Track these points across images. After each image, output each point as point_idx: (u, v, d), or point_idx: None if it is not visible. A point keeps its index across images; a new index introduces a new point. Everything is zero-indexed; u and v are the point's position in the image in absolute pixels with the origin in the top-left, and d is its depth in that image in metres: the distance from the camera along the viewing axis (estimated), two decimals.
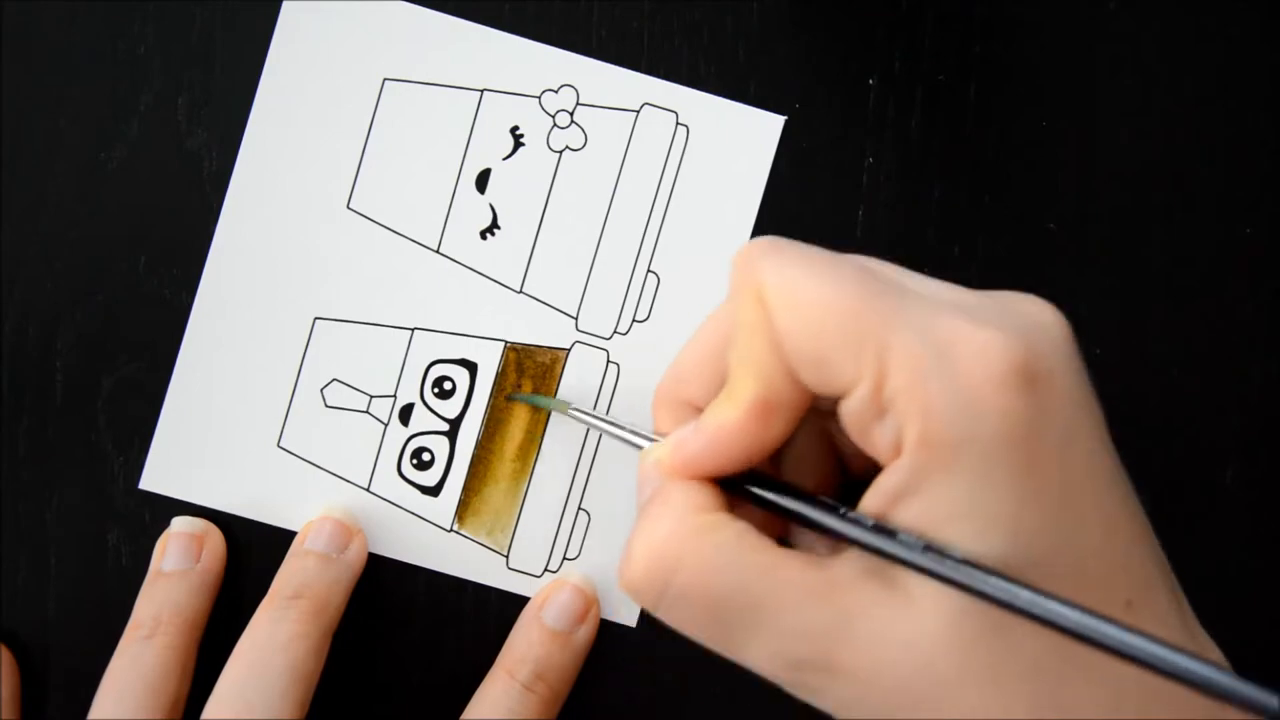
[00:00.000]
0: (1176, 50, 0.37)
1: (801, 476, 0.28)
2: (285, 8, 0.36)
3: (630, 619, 0.37)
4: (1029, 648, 0.23)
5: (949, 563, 0.23)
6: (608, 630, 0.37)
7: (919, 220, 0.37)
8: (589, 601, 0.37)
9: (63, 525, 0.37)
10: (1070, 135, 0.37)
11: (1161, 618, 0.24)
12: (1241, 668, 0.25)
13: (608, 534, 0.37)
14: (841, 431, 0.26)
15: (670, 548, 0.25)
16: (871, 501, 0.24)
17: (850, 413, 0.24)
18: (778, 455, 0.28)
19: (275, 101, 0.36)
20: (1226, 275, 0.38)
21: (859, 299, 0.24)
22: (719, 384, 0.27)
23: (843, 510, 0.24)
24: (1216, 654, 0.26)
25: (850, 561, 0.24)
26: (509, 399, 0.37)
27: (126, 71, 0.36)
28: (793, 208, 0.37)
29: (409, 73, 0.37)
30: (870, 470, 0.25)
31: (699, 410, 0.27)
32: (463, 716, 0.36)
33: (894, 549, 0.23)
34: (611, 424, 0.32)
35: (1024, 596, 0.22)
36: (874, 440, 0.24)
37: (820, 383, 0.25)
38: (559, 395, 0.37)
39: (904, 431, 0.24)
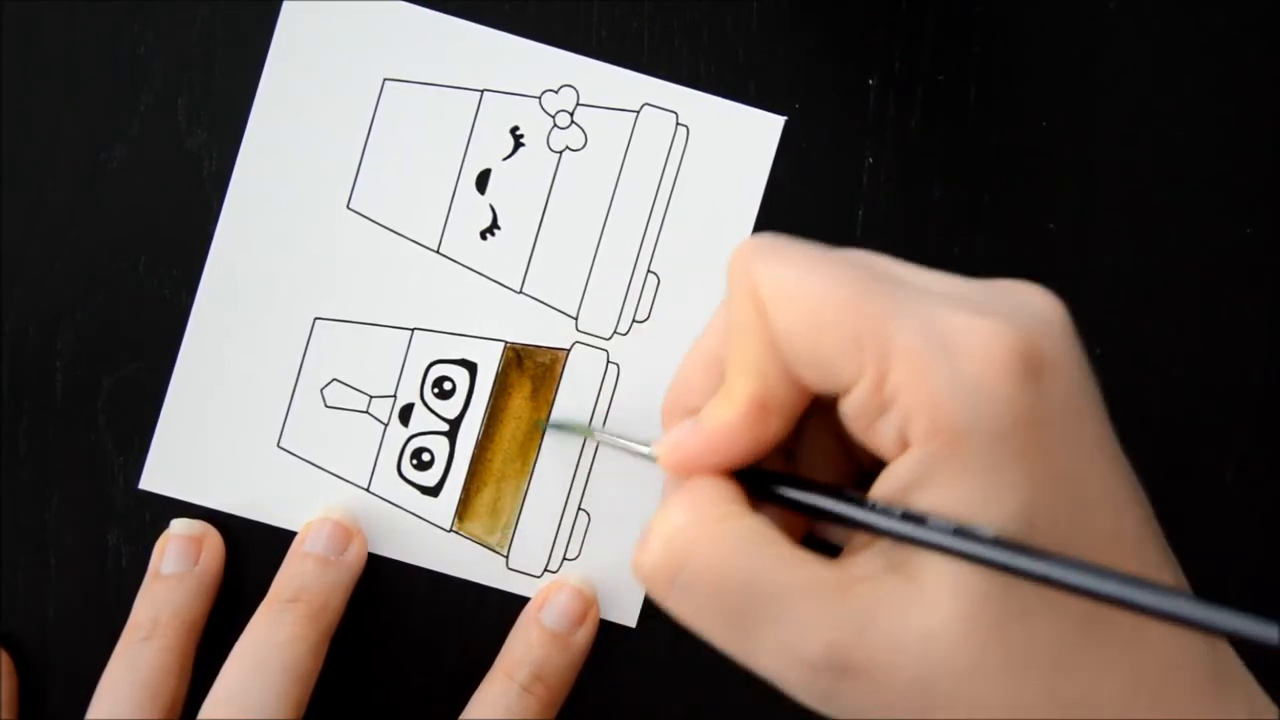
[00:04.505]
0: (1176, 50, 0.37)
1: (816, 471, 0.28)
2: (285, 8, 0.36)
3: (630, 619, 0.37)
4: (1047, 635, 0.23)
5: (981, 543, 0.22)
6: (608, 630, 0.37)
7: (919, 220, 0.37)
8: (588, 603, 0.37)
9: (63, 525, 0.37)
10: (1070, 135, 0.37)
11: None
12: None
13: (608, 535, 0.37)
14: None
15: (685, 534, 0.25)
16: (881, 495, 0.24)
17: (851, 409, 0.24)
18: (791, 451, 0.28)
19: (275, 101, 0.36)
20: (1226, 275, 0.38)
21: (856, 295, 0.24)
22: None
23: (871, 503, 0.24)
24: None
25: (870, 558, 0.24)
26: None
27: (126, 71, 0.36)
28: (793, 208, 0.37)
29: (409, 73, 0.37)
30: (877, 464, 0.25)
31: None
32: (461, 717, 0.36)
33: (926, 535, 0.23)
34: (634, 443, 0.33)
35: (1061, 567, 0.22)
36: (877, 436, 0.24)
37: (820, 381, 0.25)
38: (558, 396, 0.37)
39: (910, 425, 0.23)
